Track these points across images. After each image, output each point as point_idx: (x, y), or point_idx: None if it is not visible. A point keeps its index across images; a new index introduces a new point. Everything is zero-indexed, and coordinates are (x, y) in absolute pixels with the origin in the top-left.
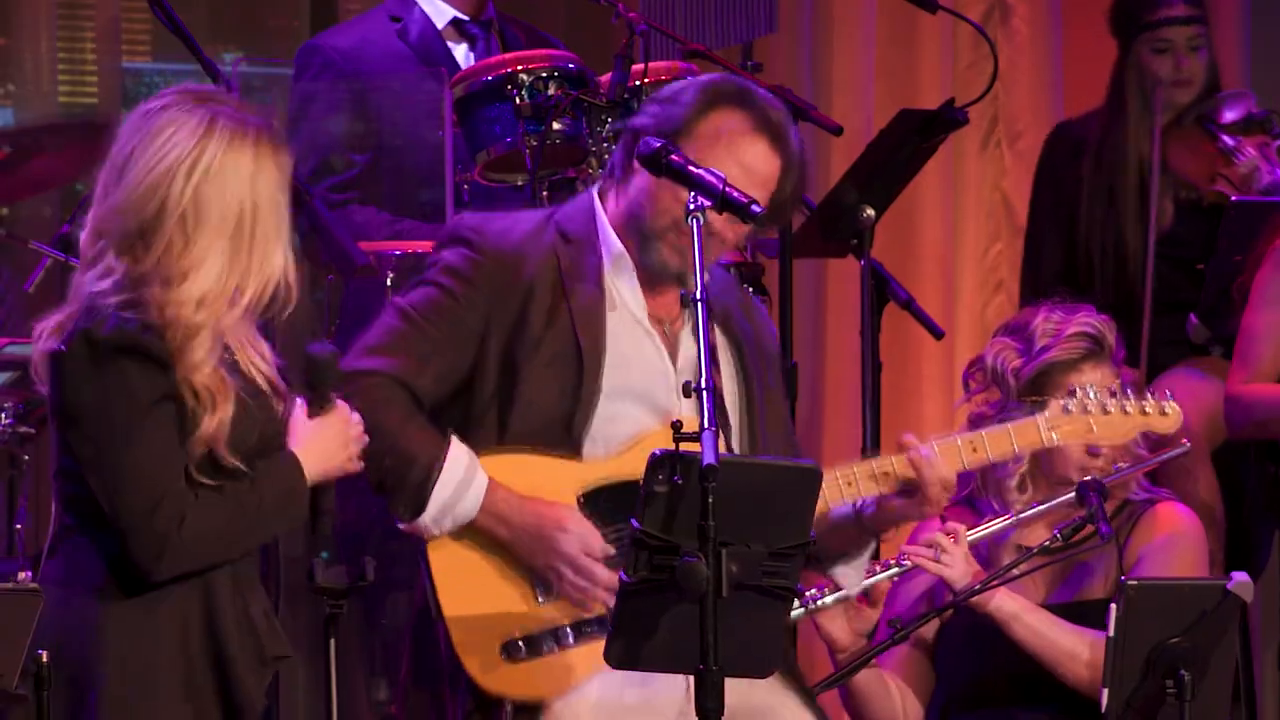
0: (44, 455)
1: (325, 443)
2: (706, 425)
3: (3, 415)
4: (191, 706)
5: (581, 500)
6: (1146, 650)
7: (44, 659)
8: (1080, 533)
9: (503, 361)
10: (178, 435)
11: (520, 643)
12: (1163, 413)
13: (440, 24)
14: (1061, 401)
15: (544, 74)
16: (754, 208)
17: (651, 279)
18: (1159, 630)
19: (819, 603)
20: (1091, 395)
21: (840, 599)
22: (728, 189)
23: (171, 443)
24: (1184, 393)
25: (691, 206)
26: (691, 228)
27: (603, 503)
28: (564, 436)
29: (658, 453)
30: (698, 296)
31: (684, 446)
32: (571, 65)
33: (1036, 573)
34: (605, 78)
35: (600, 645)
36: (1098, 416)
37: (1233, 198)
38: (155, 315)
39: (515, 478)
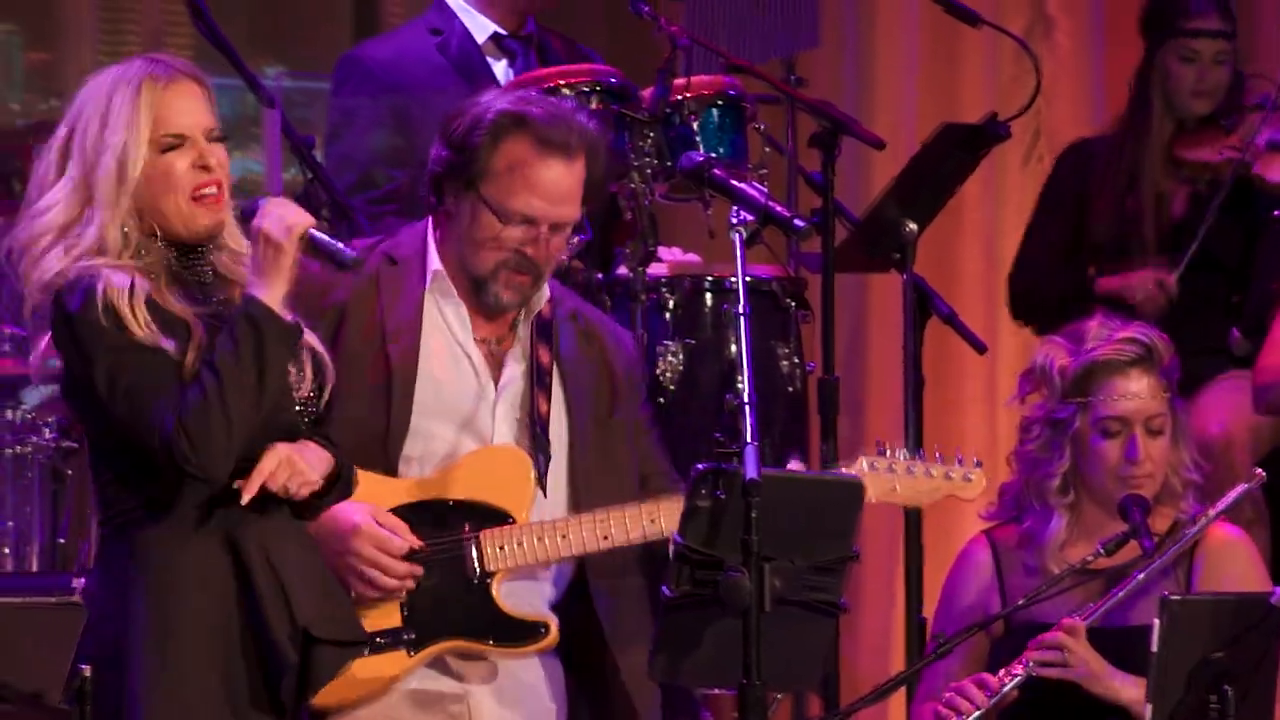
0: (86, 469)
1: (262, 259)
2: (749, 440)
3: (46, 431)
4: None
5: None
6: (1190, 665)
7: (86, 674)
8: (1123, 547)
9: None
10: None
11: None
12: (966, 479)
13: (480, 38)
14: (869, 458)
15: (586, 88)
16: (797, 222)
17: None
18: (1202, 645)
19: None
20: (899, 455)
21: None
22: (770, 203)
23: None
24: (1228, 406)
25: (734, 221)
26: (734, 242)
27: (408, 520)
28: (379, 455)
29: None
30: (739, 311)
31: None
32: (613, 79)
33: (1088, 596)
34: (647, 92)
35: (392, 658)
36: (902, 476)
37: (1275, 212)
38: None
39: None
